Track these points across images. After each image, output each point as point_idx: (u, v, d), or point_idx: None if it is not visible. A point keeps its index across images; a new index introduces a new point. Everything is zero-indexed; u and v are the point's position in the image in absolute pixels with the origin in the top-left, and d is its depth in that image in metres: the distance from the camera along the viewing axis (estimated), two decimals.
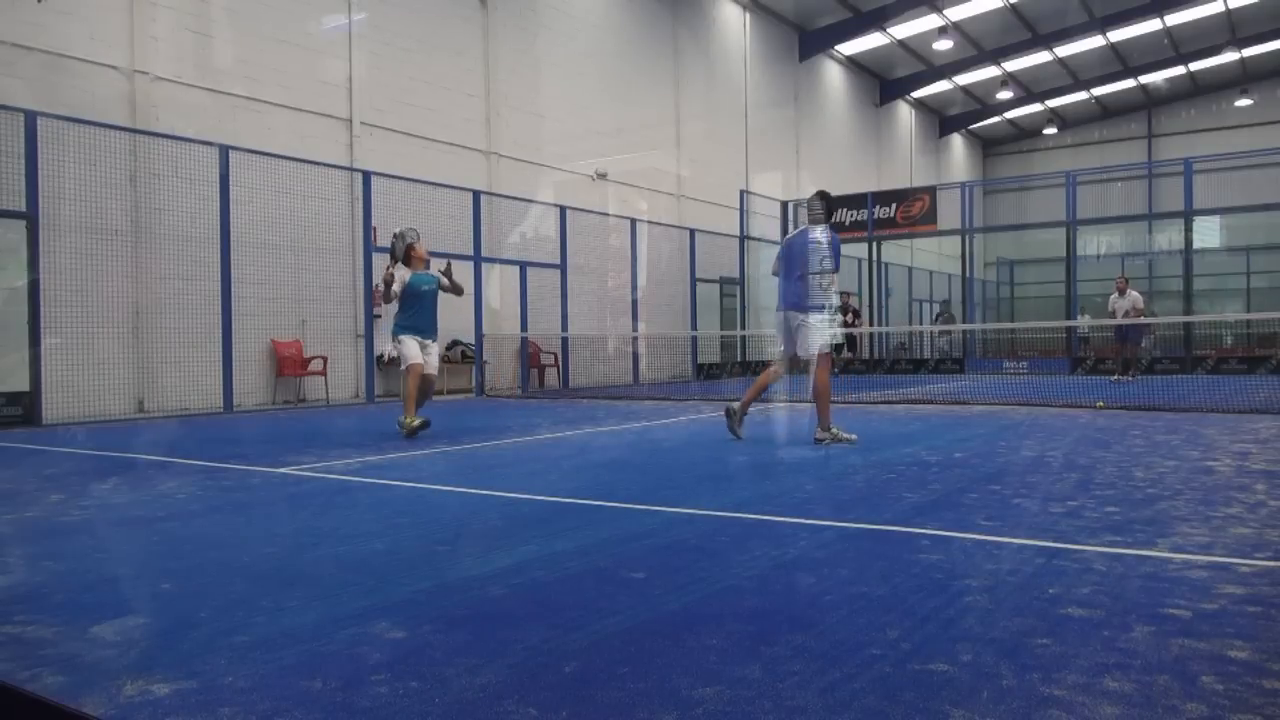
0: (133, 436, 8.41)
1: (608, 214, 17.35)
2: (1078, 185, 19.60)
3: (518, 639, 2.37)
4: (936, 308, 28.04)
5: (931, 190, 21.18)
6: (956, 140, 35.28)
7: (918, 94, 30.98)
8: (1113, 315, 15.14)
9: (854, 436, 6.71)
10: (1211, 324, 20.32)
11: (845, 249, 29.20)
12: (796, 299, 6.84)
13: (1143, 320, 14.78)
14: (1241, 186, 22.25)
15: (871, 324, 22.36)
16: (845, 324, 18.34)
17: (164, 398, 10.79)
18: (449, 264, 8.00)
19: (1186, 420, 8.42)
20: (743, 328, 20.61)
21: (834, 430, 6.66)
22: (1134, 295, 15.24)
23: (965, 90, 31.23)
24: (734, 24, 22.09)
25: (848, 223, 21.22)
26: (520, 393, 14.79)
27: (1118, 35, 27.12)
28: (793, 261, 6.90)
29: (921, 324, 27.49)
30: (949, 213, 20.51)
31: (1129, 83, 31.42)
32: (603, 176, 17.74)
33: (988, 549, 3.34)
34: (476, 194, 14.14)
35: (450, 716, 1.89)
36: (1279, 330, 20.95)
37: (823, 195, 7.07)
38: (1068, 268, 19.16)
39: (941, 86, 30.49)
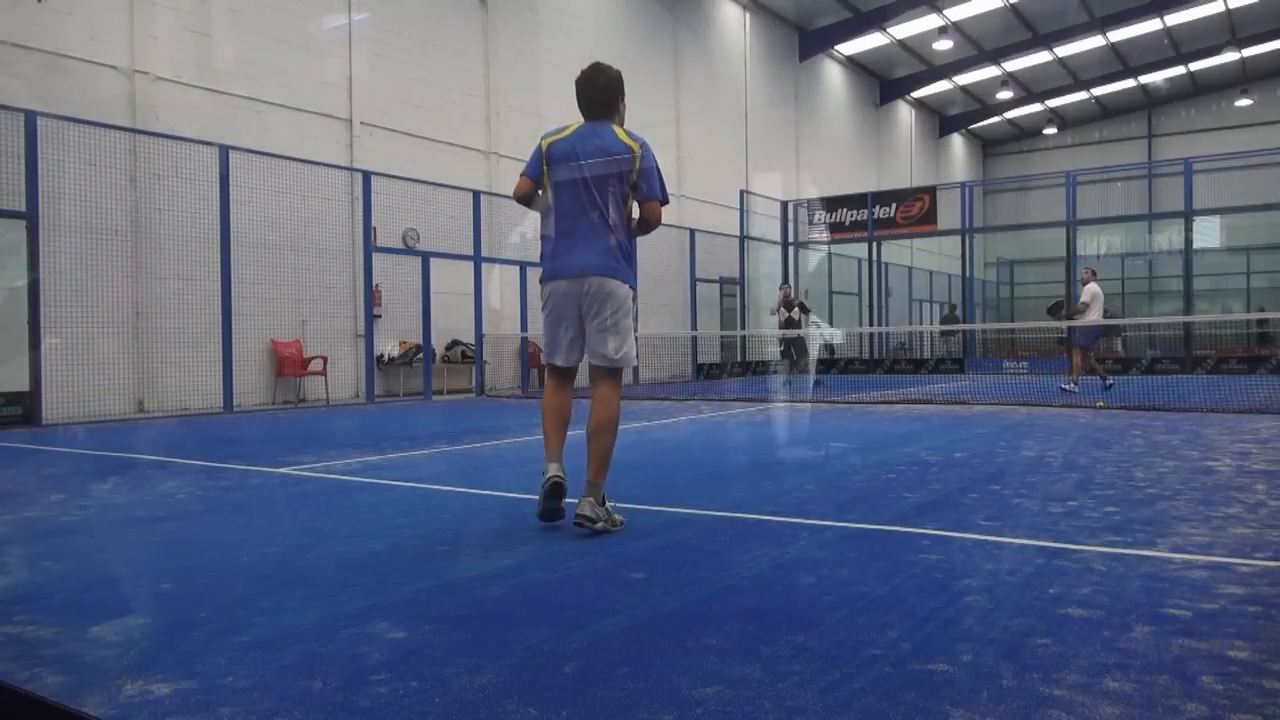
0: (132, 436, 8.41)
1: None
2: (1078, 185, 19.61)
3: (518, 639, 2.37)
4: (945, 309, 28.08)
5: (931, 190, 21.18)
6: (956, 140, 35.28)
7: (918, 94, 30.98)
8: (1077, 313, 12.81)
9: (622, 520, 3.81)
10: (1211, 324, 20.30)
11: (846, 249, 28.51)
12: (603, 257, 3.88)
13: (1083, 322, 12.38)
14: (1241, 186, 22.26)
15: (872, 324, 22.36)
16: (790, 321, 15.95)
17: (164, 398, 10.79)
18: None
19: (1186, 420, 8.41)
20: (743, 328, 20.61)
21: (609, 504, 3.80)
22: (1089, 289, 12.63)
23: (965, 90, 31.22)
24: (734, 24, 22.09)
25: (848, 223, 21.23)
26: (520, 393, 14.79)
27: (1118, 35, 27.12)
28: (583, 188, 3.89)
29: (923, 324, 27.53)
30: (949, 213, 20.51)
31: (1129, 83, 31.42)
32: None
33: (988, 549, 3.34)
34: (476, 194, 14.13)
35: (450, 716, 1.89)
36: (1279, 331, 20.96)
37: (597, 69, 4.04)
38: (1068, 268, 19.16)
39: (941, 86, 30.48)
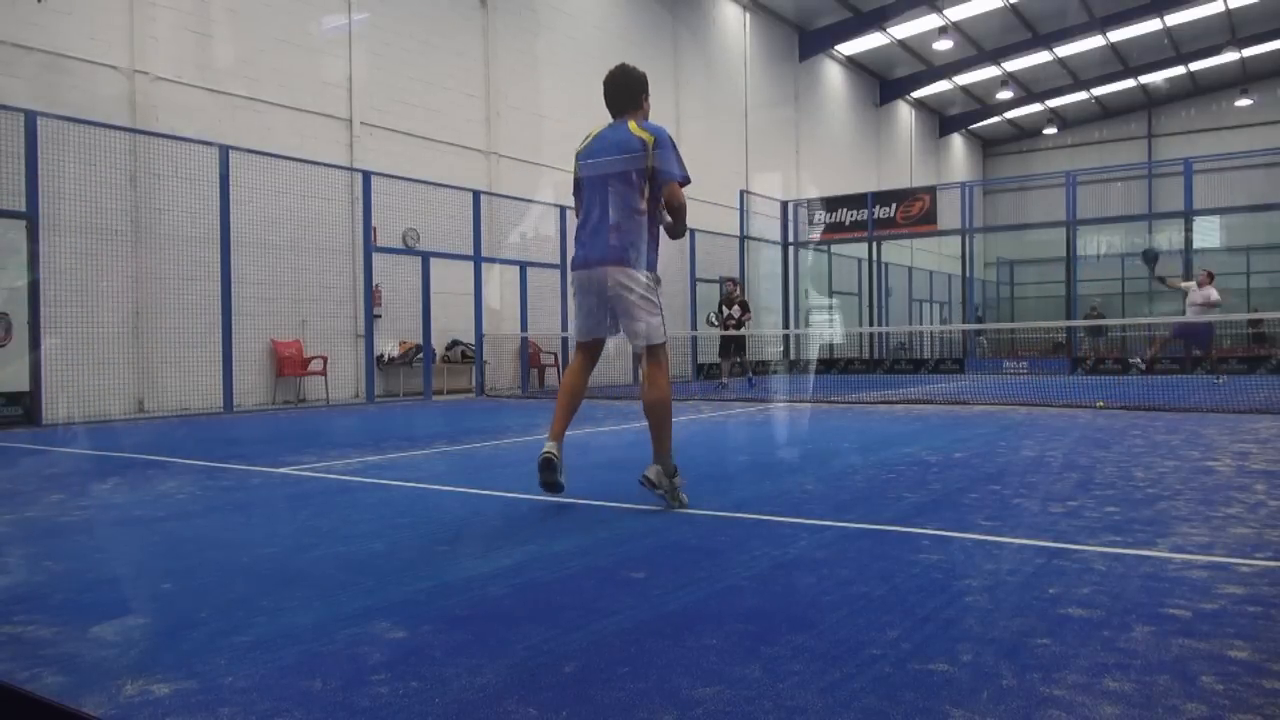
0: (133, 436, 8.40)
1: None
2: (1078, 185, 19.61)
3: (518, 639, 2.37)
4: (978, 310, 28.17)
5: (931, 190, 21.19)
6: (956, 140, 35.28)
7: (918, 94, 30.97)
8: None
9: (686, 500, 4.18)
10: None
11: (845, 249, 28.53)
12: (613, 246, 4.21)
13: (1208, 318, 13.72)
14: (1241, 186, 22.26)
15: (872, 324, 22.36)
16: (730, 320, 15.15)
17: (164, 398, 10.79)
18: None
19: (1186, 420, 8.41)
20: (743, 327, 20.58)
21: (676, 475, 4.18)
22: (1203, 291, 14.10)
23: (965, 90, 31.22)
24: (734, 24, 22.09)
25: (848, 223, 21.23)
26: (520, 393, 14.79)
27: (1118, 35, 27.13)
28: (599, 183, 4.27)
29: (923, 324, 27.52)
30: (949, 213, 20.51)
31: (1129, 83, 31.42)
32: None
33: (988, 549, 3.34)
34: (476, 194, 14.14)
35: (450, 716, 1.89)
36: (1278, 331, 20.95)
37: (621, 69, 4.40)
38: (1068, 267, 19.17)
39: (941, 86, 30.48)
